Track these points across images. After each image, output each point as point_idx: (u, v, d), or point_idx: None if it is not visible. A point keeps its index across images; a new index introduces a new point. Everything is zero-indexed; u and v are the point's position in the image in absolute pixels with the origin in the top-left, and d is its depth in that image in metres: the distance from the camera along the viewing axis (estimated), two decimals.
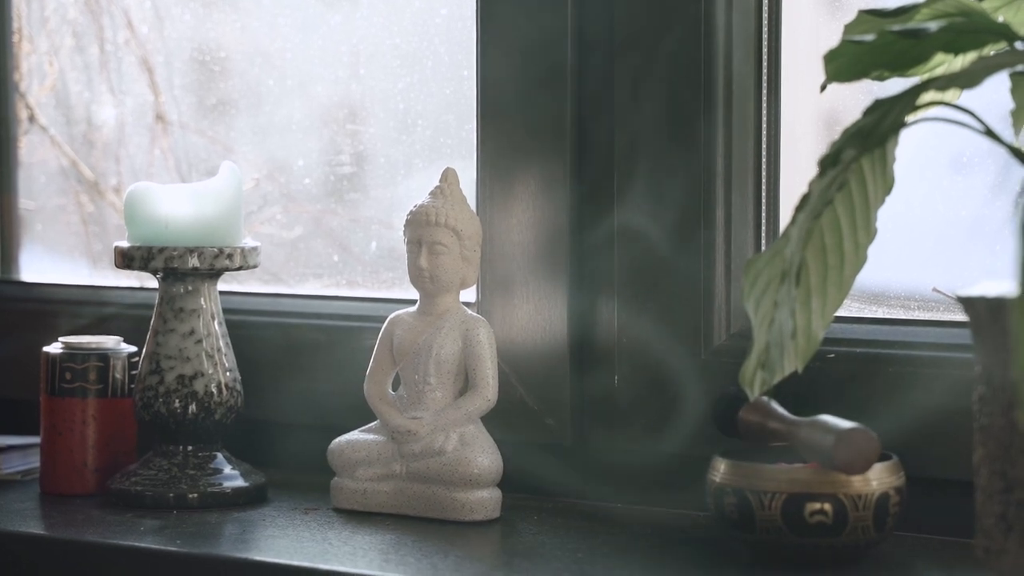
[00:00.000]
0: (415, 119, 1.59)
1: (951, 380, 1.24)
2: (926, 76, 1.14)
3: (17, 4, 1.77)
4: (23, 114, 1.78)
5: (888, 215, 1.14)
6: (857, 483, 1.16)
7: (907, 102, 1.05)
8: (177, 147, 1.71)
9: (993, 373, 1.02)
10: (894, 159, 1.12)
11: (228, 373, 1.43)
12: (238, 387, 1.44)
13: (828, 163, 1.07)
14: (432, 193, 1.36)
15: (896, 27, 1.07)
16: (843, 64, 1.09)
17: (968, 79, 1.03)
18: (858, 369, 1.30)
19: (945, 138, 1.15)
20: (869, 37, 1.08)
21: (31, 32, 1.77)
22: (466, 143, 1.52)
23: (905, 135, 1.10)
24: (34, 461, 1.52)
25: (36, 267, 1.78)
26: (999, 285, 1.04)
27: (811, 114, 1.41)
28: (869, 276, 1.28)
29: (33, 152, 1.78)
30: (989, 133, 1.06)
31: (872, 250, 1.13)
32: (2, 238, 1.78)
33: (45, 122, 1.77)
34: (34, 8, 1.77)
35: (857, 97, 1.36)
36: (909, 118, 1.09)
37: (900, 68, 1.12)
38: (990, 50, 1.12)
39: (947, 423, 1.25)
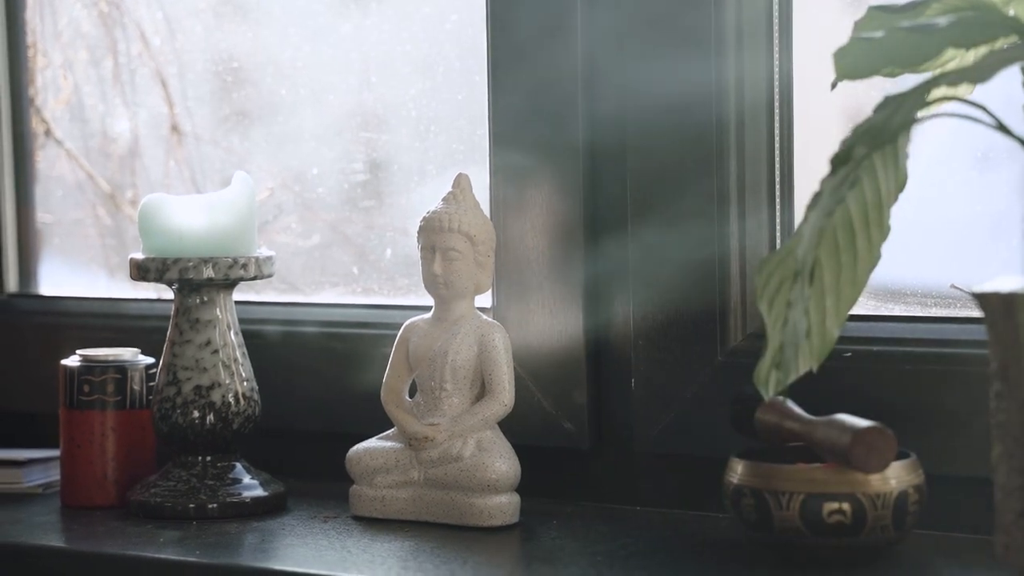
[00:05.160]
0: (428, 125, 1.59)
1: (969, 377, 1.24)
2: (938, 72, 1.13)
3: (31, 18, 1.77)
4: (39, 128, 1.78)
5: (907, 211, 1.13)
6: (876, 482, 1.16)
7: (917, 98, 1.05)
8: (192, 158, 1.71)
9: (1008, 369, 1.02)
10: (907, 156, 1.12)
11: (245, 383, 1.43)
12: (255, 396, 1.44)
13: (839, 161, 1.06)
14: (445, 199, 1.36)
15: (906, 23, 1.07)
16: (853, 61, 1.09)
17: (978, 73, 1.03)
18: (875, 367, 1.29)
19: (968, 135, 1.15)
20: (879, 34, 1.07)
21: (45, 46, 1.77)
22: (479, 148, 1.52)
23: (928, 132, 1.09)
24: (55, 474, 1.52)
25: (54, 280, 1.78)
26: (1014, 280, 1.04)
27: (827, 111, 1.40)
28: (886, 273, 1.28)
29: (50, 166, 1.78)
30: (1001, 127, 1.06)
31: (889, 247, 1.12)
32: (20, 252, 1.78)
33: (61, 136, 1.78)
34: (47, 22, 1.78)
35: (873, 93, 1.35)
36: (921, 114, 1.09)
37: (911, 64, 1.11)
38: (1001, 44, 1.11)
39: (965, 420, 1.24)
